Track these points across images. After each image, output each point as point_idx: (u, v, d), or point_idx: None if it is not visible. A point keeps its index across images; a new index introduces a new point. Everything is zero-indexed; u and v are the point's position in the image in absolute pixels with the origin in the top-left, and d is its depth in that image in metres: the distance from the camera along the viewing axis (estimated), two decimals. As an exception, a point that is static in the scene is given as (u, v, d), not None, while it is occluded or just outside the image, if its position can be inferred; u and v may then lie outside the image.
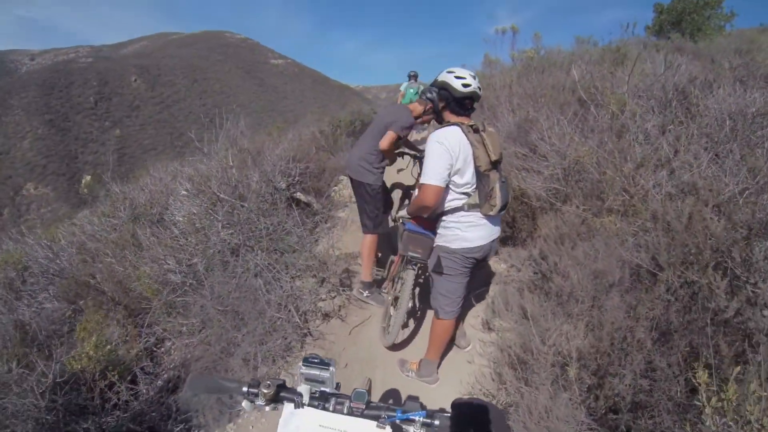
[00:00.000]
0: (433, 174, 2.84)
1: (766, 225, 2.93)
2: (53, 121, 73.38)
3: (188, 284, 4.63)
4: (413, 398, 1.39)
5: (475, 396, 3.38)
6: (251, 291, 4.35)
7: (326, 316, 4.61)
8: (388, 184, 4.96)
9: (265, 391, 1.36)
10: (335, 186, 7.70)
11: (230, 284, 4.42)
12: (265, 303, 4.22)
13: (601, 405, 2.67)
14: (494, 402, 3.18)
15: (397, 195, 5.05)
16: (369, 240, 4.58)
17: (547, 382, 2.83)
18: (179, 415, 3.61)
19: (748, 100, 4.56)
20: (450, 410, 1.32)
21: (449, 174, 2.87)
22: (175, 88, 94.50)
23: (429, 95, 4.22)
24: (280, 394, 1.40)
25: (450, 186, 2.95)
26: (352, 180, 4.47)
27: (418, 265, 3.70)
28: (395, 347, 4.05)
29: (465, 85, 2.93)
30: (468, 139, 2.86)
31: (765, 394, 1.85)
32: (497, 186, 2.90)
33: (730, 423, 1.88)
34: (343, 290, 4.89)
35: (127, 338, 4.24)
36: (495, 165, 2.97)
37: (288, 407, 1.39)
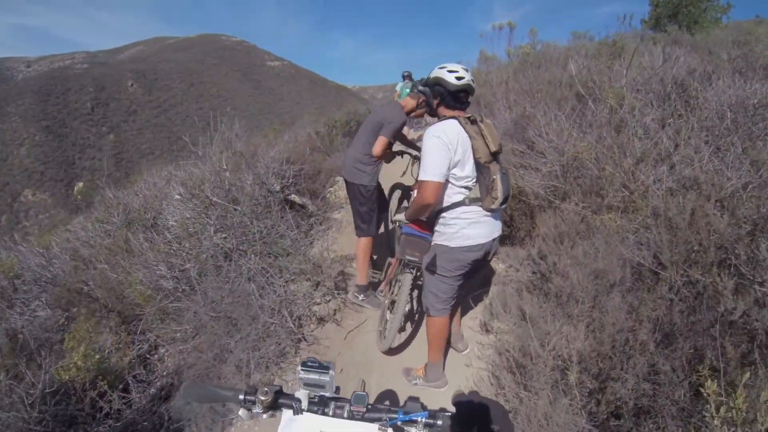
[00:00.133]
0: (431, 169, 2.78)
1: (772, 220, 2.85)
2: (50, 128, 73.68)
3: (181, 290, 4.56)
4: (414, 399, 1.36)
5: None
6: (244, 296, 4.27)
7: (321, 320, 4.52)
8: (389, 185, 4.90)
9: (263, 398, 1.34)
10: (331, 187, 7.64)
11: (223, 289, 4.34)
12: (258, 308, 4.13)
13: (602, 410, 2.59)
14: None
15: (396, 196, 4.97)
16: (364, 243, 4.50)
17: (547, 387, 2.75)
18: (171, 424, 3.56)
19: (749, 92, 4.49)
20: (451, 409, 1.33)
21: (448, 168, 2.80)
22: (172, 92, 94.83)
23: (421, 88, 4.15)
24: (278, 400, 1.36)
25: (450, 180, 2.88)
26: (347, 182, 4.40)
27: (416, 268, 3.62)
28: (392, 351, 3.97)
29: (458, 78, 2.88)
30: (466, 130, 2.80)
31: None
32: (498, 177, 2.82)
33: (741, 434, 1.79)
34: (338, 293, 4.80)
35: (120, 346, 4.18)
36: (495, 156, 2.90)
37: (287, 414, 1.37)
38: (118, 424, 3.41)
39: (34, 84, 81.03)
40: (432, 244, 3.17)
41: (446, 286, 3.13)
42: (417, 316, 4.42)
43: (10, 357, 3.83)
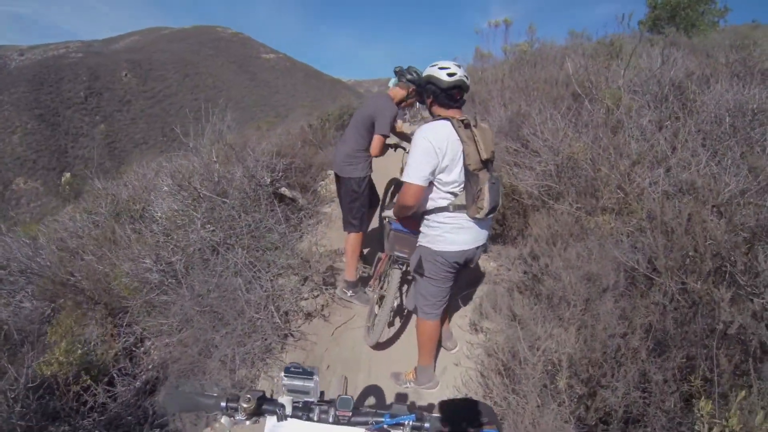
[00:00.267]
0: (414, 172, 2.71)
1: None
2: (43, 116, 73.15)
3: (167, 283, 4.49)
4: (400, 401, 1.32)
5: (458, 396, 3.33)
6: (231, 290, 4.21)
7: (308, 315, 4.46)
8: (381, 179, 4.83)
9: (245, 405, 1.28)
10: (322, 181, 7.59)
11: (210, 283, 4.28)
12: (244, 303, 4.07)
13: (591, 416, 2.54)
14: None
15: (391, 191, 4.92)
16: (353, 238, 4.46)
17: (535, 391, 2.70)
18: (156, 419, 3.52)
19: (747, 96, 4.45)
20: (438, 411, 1.31)
21: (433, 173, 2.72)
22: (167, 82, 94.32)
23: (409, 77, 4.06)
24: (262, 406, 1.31)
25: (435, 183, 2.80)
26: (339, 178, 4.33)
27: (405, 264, 3.59)
28: (379, 346, 3.94)
29: (450, 75, 2.76)
30: (458, 134, 2.69)
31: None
32: (486, 187, 2.71)
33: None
34: (327, 289, 4.75)
35: (106, 338, 4.13)
36: (486, 164, 2.80)
37: (270, 420, 1.33)
38: (103, 417, 3.37)
39: (28, 72, 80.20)
40: (417, 245, 3.11)
41: (435, 288, 3.07)
42: (405, 313, 4.38)
43: (-6, 350, 3.79)
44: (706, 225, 2.91)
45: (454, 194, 2.81)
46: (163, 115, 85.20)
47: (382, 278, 4.06)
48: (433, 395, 3.41)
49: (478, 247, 2.96)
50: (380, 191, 4.90)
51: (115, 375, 3.72)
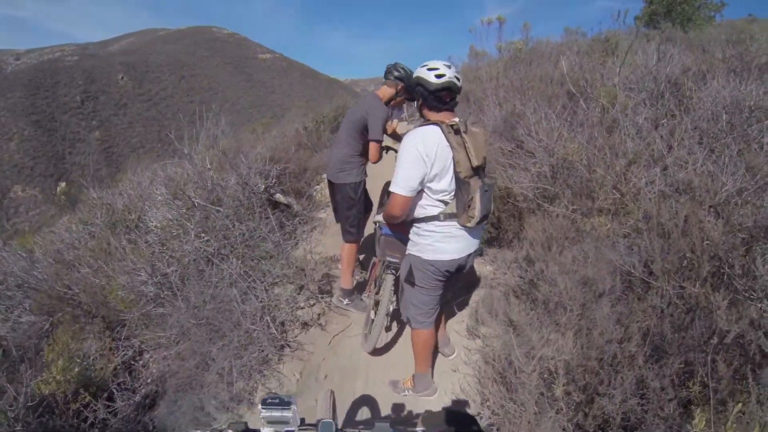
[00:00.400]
0: (401, 182, 2.65)
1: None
2: (40, 122, 73.07)
3: (163, 295, 4.46)
4: (384, 419, 1.33)
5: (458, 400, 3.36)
6: (226, 302, 4.18)
7: (305, 325, 4.44)
8: (375, 183, 4.78)
9: None
10: (317, 185, 7.54)
11: (205, 294, 4.25)
12: (240, 314, 4.04)
13: (589, 423, 2.52)
14: (479, 418, 3.05)
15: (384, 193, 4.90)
16: (349, 247, 4.41)
17: (532, 398, 2.68)
18: (155, 436, 3.49)
19: (744, 93, 4.41)
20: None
21: (421, 182, 2.66)
22: (163, 84, 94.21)
23: (396, 73, 3.97)
24: None
25: (425, 191, 2.74)
26: (333, 184, 4.27)
27: (397, 269, 3.54)
28: (376, 352, 3.92)
29: (438, 76, 2.65)
30: (448, 140, 2.60)
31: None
32: (477, 195, 2.64)
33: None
34: (323, 297, 4.71)
35: (104, 352, 4.10)
36: (477, 171, 2.71)
37: None
38: (103, 434, 3.34)
39: (23, 77, 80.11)
40: (406, 253, 3.06)
41: (426, 297, 3.04)
42: (401, 316, 4.36)
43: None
44: (703, 226, 2.88)
45: (445, 202, 2.75)
46: (160, 119, 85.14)
47: (377, 283, 4.03)
48: (431, 402, 3.39)
49: (469, 255, 2.91)
50: (375, 194, 4.83)
51: (114, 390, 3.69)
